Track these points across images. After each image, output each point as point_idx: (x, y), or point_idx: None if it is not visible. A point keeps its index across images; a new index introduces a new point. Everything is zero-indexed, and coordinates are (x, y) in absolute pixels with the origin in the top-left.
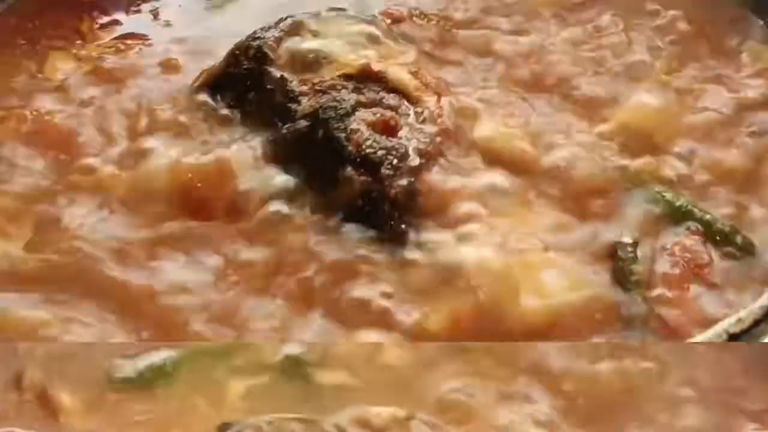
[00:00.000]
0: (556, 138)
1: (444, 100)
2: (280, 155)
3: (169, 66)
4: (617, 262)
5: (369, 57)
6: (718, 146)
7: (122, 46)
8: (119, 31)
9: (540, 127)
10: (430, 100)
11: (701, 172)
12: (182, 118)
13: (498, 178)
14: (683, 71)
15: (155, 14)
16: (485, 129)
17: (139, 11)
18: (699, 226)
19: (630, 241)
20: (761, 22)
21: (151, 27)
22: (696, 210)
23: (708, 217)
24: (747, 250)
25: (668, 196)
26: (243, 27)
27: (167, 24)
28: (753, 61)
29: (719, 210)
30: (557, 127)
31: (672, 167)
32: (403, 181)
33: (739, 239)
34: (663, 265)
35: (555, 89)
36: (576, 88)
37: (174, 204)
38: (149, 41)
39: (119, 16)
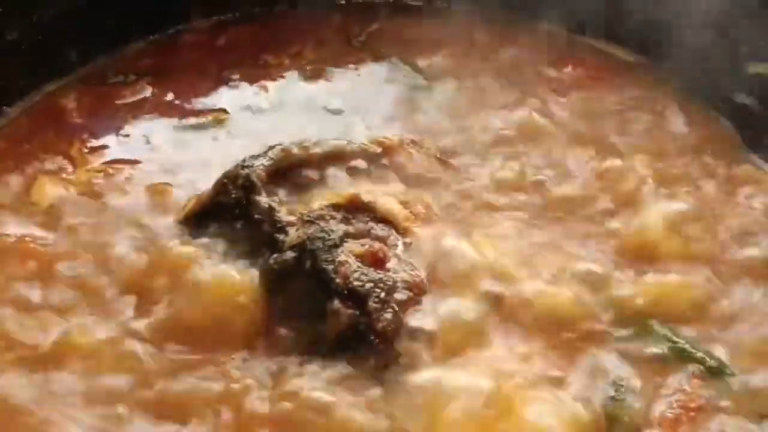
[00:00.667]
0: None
1: (433, 231)
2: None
3: (157, 192)
4: (610, 402)
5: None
6: None
7: (111, 171)
8: (109, 155)
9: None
10: (419, 231)
11: None
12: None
13: (483, 309)
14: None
15: (146, 139)
16: (473, 259)
17: (128, 135)
18: (701, 368)
19: (624, 381)
20: None
21: (140, 151)
22: (695, 351)
23: (707, 359)
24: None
25: (667, 334)
26: (232, 151)
27: (156, 148)
28: None
29: None
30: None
31: None
32: (391, 315)
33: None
34: (658, 406)
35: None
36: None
37: None
38: (138, 166)
39: (109, 140)
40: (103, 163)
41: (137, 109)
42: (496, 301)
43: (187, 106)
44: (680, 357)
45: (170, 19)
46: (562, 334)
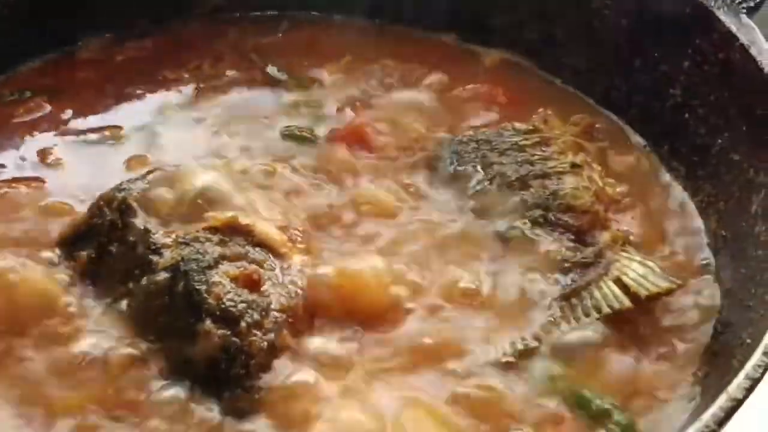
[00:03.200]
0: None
1: (311, 256)
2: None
3: (55, 211)
4: None
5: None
6: None
7: (8, 190)
8: (5, 174)
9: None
10: (297, 256)
11: None
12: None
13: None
14: None
15: (44, 157)
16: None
17: (26, 154)
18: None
19: None
20: None
21: (38, 170)
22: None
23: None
24: None
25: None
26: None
27: (55, 167)
28: None
29: None
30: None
31: None
32: (263, 337)
33: None
34: None
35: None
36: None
37: None
38: (36, 185)
39: (6, 159)
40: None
41: (35, 128)
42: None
43: (85, 123)
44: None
45: (65, 36)
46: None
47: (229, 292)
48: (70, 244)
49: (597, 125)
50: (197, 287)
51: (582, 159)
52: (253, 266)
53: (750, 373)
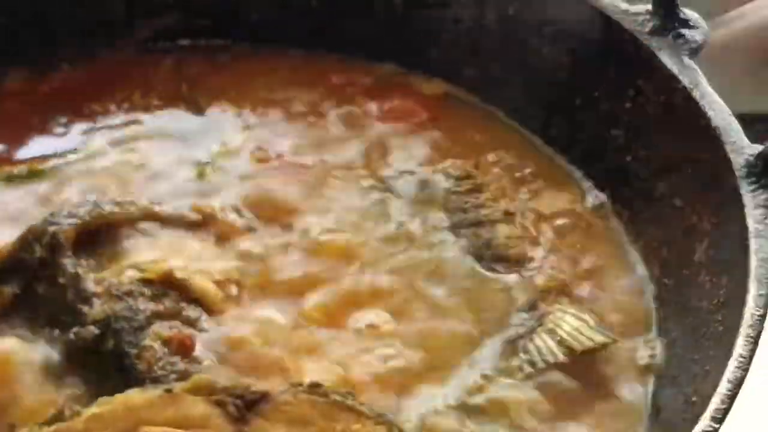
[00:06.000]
0: None
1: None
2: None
3: None
4: None
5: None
6: None
7: None
8: None
9: None
10: (231, 310)
11: None
12: None
13: None
14: None
15: None
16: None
17: None
18: None
19: None
20: None
21: None
22: None
23: None
24: None
25: None
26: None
27: None
28: None
29: None
30: None
31: None
32: None
33: None
34: None
35: None
36: None
37: None
38: None
39: None
40: None
41: None
42: None
43: (10, 156)
44: None
45: None
46: None
47: (160, 359)
48: None
49: (528, 170)
50: (127, 350)
51: (515, 206)
52: (188, 330)
53: None
